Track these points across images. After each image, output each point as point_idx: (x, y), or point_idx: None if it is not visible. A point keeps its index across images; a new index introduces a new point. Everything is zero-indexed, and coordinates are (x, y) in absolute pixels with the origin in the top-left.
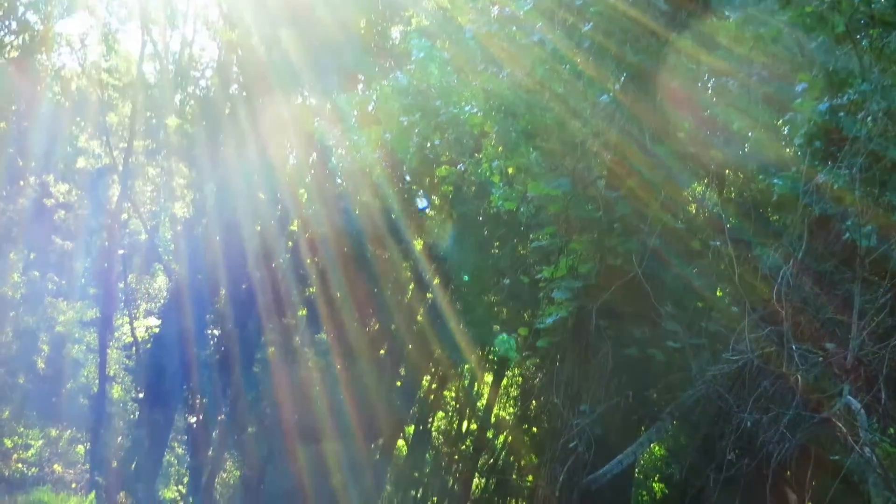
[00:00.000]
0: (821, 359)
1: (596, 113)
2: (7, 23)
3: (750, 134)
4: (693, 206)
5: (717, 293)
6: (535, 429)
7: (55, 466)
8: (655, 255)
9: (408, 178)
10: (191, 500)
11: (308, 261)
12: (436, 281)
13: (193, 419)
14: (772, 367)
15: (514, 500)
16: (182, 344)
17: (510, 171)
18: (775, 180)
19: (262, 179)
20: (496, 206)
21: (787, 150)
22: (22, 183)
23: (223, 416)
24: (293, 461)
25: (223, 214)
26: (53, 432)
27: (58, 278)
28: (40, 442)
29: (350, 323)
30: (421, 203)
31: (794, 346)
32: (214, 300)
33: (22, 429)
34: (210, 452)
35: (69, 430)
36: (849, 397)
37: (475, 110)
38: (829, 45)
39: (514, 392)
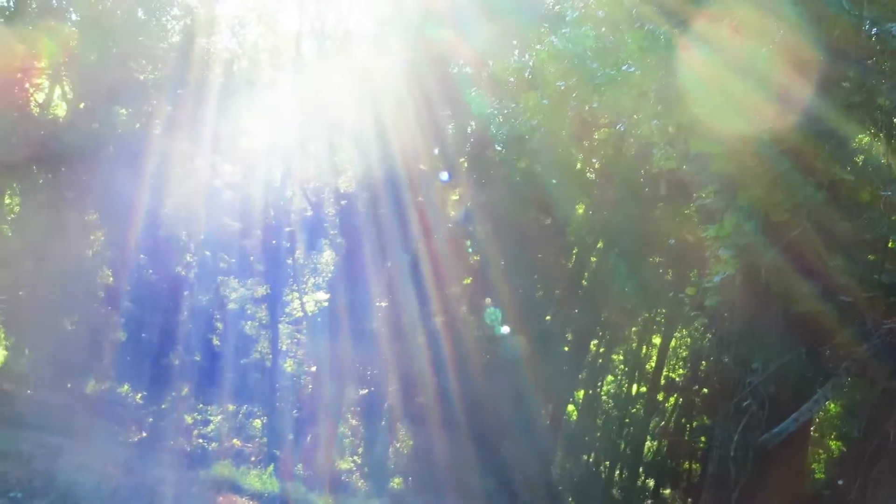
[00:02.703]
0: None
1: (756, 65)
2: (169, 8)
3: None
4: (861, 156)
5: (890, 244)
6: (706, 389)
7: (234, 441)
8: (823, 209)
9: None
10: (366, 470)
11: (471, 229)
12: (599, 244)
13: (365, 391)
14: None
15: (687, 463)
16: (350, 317)
17: (670, 129)
18: None
19: (423, 150)
20: (658, 167)
21: None
22: (190, 165)
23: (394, 386)
24: (464, 429)
25: (385, 187)
26: (231, 407)
27: (228, 257)
28: (219, 417)
29: (514, 290)
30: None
31: None
32: (380, 272)
33: (201, 405)
34: (382, 423)
35: (245, 405)
36: None
37: (633, 69)
38: None
39: (683, 353)
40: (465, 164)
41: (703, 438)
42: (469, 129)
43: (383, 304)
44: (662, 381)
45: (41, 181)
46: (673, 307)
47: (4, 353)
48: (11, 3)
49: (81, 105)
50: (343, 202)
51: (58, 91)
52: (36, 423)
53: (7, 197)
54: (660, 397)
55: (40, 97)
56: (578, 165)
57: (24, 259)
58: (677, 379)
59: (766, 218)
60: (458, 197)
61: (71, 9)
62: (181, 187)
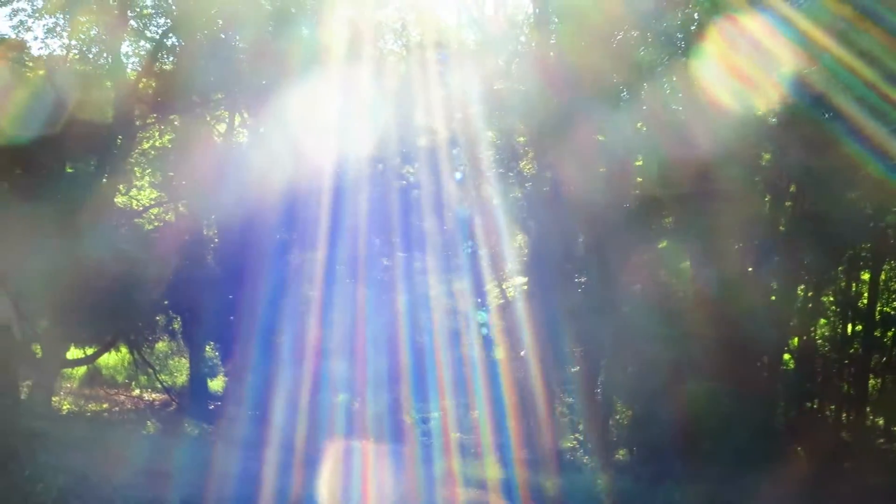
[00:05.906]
0: None
1: None
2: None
3: None
4: None
5: None
6: None
7: (454, 434)
8: None
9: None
10: (589, 445)
11: (658, 192)
12: (792, 188)
13: (576, 368)
14: None
15: None
16: (551, 297)
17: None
18: None
19: (598, 121)
20: (844, 99)
21: None
22: (371, 170)
23: (605, 359)
24: (681, 392)
25: (565, 164)
26: (447, 402)
27: (422, 256)
28: (436, 414)
29: (711, 246)
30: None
31: None
32: (573, 248)
33: (418, 404)
34: (598, 397)
35: (461, 398)
36: None
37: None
38: None
39: (894, 286)
40: (644, 129)
41: None
42: (642, 93)
43: (582, 279)
44: (877, 317)
45: (235, 210)
46: (877, 239)
47: (223, 378)
48: (181, 41)
49: (261, 129)
50: (527, 185)
51: (237, 119)
52: (260, 442)
53: (205, 230)
54: (877, 333)
55: (222, 127)
56: (760, 112)
57: (224, 285)
58: (893, 313)
59: None
60: (640, 162)
61: (237, 38)
62: (366, 193)
